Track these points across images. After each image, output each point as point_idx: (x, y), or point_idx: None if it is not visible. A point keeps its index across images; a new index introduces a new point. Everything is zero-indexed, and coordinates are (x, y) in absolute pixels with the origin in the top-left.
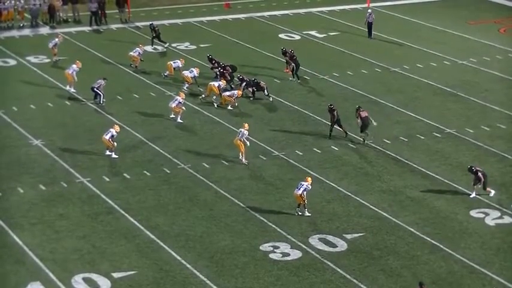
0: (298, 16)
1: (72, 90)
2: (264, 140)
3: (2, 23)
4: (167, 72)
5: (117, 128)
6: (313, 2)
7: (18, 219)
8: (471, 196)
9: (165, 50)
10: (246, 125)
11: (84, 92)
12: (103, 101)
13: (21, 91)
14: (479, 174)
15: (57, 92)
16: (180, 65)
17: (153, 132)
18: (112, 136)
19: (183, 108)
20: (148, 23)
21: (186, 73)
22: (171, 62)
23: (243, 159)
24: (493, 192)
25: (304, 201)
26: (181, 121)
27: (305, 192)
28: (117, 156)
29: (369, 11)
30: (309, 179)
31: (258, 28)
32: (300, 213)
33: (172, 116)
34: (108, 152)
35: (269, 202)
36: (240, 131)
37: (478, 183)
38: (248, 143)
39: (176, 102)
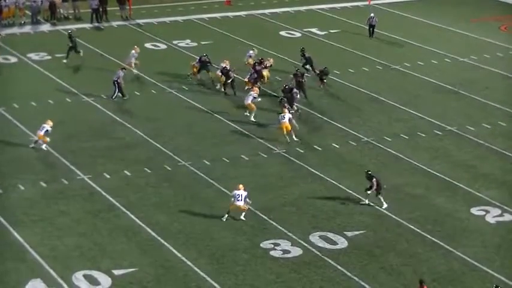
0: (299, 13)
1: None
2: (264, 137)
3: (3, 20)
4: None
5: (50, 122)
6: None
7: (19, 217)
8: (362, 203)
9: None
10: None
11: (84, 88)
12: (115, 96)
13: (22, 88)
14: (374, 180)
15: (58, 89)
16: (253, 55)
17: (154, 130)
18: (47, 131)
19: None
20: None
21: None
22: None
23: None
24: (385, 204)
25: (246, 209)
26: (254, 120)
27: (247, 199)
28: (45, 148)
29: (372, 14)
30: (241, 186)
31: (259, 25)
32: (244, 219)
33: (246, 113)
34: (33, 145)
35: (270, 199)
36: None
37: (371, 189)
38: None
39: (251, 97)
